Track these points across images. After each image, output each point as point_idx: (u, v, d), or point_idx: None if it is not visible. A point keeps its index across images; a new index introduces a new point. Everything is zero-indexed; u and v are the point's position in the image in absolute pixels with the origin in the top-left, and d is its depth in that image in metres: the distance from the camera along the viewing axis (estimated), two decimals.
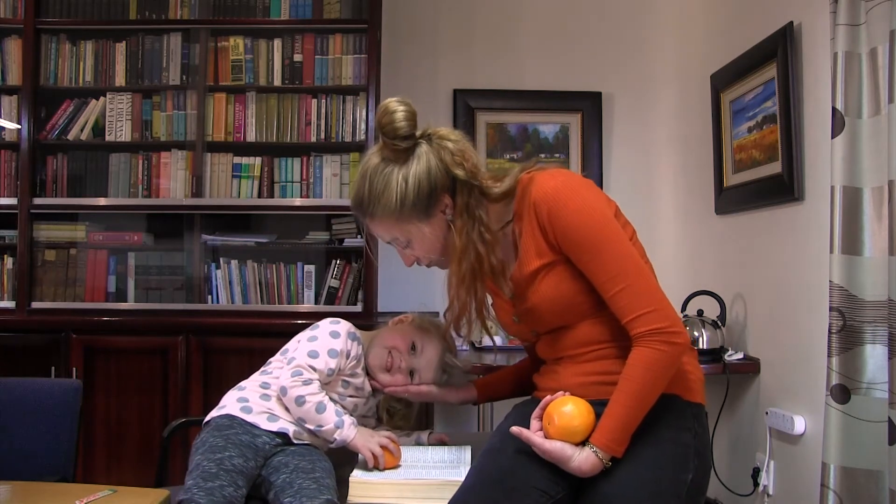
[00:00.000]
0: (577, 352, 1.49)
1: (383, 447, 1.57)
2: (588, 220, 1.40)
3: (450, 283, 1.50)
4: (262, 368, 1.72)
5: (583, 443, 1.36)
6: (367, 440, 1.58)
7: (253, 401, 1.62)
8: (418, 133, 1.46)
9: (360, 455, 1.65)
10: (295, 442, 1.59)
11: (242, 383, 1.68)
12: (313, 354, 1.62)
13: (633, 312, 1.37)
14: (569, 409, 1.36)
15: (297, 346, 1.66)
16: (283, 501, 1.44)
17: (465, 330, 1.56)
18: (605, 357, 1.46)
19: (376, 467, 1.57)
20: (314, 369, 1.60)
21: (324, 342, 1.65)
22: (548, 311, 1.48)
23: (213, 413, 1.62)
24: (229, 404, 1.62)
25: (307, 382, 1.58)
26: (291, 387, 1.58)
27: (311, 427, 1.59)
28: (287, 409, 1.61)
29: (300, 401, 1.57)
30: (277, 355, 1.73)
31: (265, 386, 1.65)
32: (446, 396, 1.76)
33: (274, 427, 1.58)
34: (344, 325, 1.70)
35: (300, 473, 1.50)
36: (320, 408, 1.58)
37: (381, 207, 1.45)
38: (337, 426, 1.58)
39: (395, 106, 1.43)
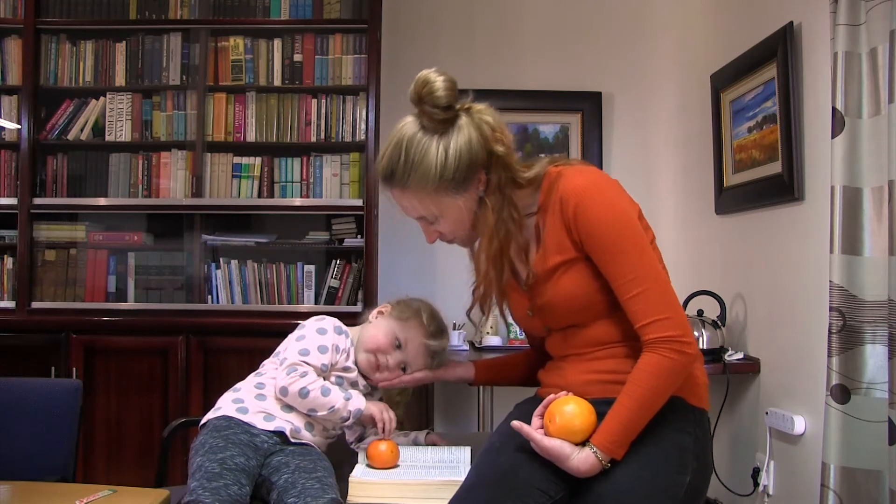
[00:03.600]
0: (587, 350, 1.49)
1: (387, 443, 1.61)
2: (613, 220, 1.40)
3: (478, 261, 1.49)
4: (257, 370, 1.73)
5: (583, 443, 1.36)
6: (378, 405, 1.65)
7: (248, 401, 1.62)
8: (457, 105, 1.43)
9: (359, 454, 1.65)
10: (292, 441, 1.60)
11: (237, 385, 1.69)
12: (304, 352, 1.64)
13: (647, 318, 1.37)
14: (570, 409, 1.36)
15: (287, 348, 1.68)
16: (287, 502, 1.44)
17: (486, 310, 1.55)
18: (613, 356, 1.46)
19: (375, 466, 1.58)
20: (308, 364, 1.62)
21: (312, 340, 1.66)
22: (564, 308, 1.48)
23: (210, 415, 1.62)
24: (225, 406, 1.62)
25: (304, 374, 1.60)
26: (290, 383, 1.58)
27: (324, 413, 1.60)
28: (283, 408, 1.62)
29: (304, 392, 1.58)
30: (270, 357, 1.74)
31: (260, 386, 1.66)
32: (443, 376, 1.76)
33: (270, 426, 1.59)
34: (329, 321, 1.72)
35: (302, 473, 1.50)
36: (325, 391, 1.60)
37: (418, 178, 1.41)
38: (347, 398, 1.61)
39: (434, 76, 1.40)
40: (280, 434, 1.59)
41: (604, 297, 1.44)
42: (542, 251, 1.48)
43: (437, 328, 1.74)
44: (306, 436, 1.62)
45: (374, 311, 1.77)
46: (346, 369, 1.70)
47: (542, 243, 1.48)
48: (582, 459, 1.34)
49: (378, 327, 1.72)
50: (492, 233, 1.44)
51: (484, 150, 1.43)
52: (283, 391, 1.59)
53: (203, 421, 1.62)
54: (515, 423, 1.39)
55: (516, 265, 1.53)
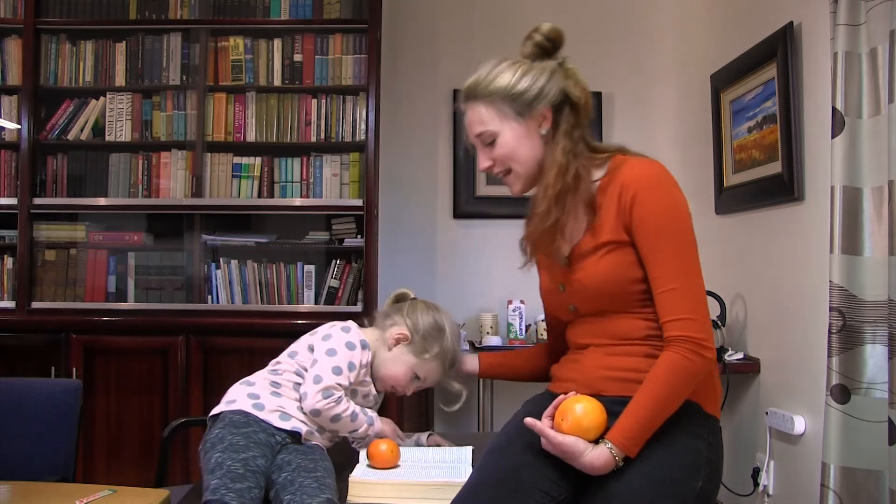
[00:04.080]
0: (608, 342, 1.49)
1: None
2: (668, 215, 1.44)
3: (539, 197, 1.51)
4: (270, 367, 1.71)
5: (594, 442, 1.36)
6: (390, 425, 1.73)
7: (264, 397, 1.61)
8: (557, 55, 1.54)
9: (360, 454, 1.65)
10: (303, 442, 1.60)
11: (250, 378, 1.68)
12: (337, 371, 1.63)
13: (675, 314, 1.39)
14: (582, 407, 1.36)
15: (317, 360, 1.65)
16: (283, 499, 1.44)
17: (541, 248, 1.55)
18: (632, 354, 1.46)
19: (376, 466, 1.59)
20: (341, 386, 1.63)
21: (343, 355, 1.66)
22: (596, 289, 1.48)
23: (223, 407, 1.61)
24: (240, 399, 1.61)
25: (338, 401, 1.61)
26: (325, 408, 1.60)
27: (344, 434, 1.65)
28: (299, 407, 1.62)
29: (336, 418, 1.62)
30: (285, 357, 1.72)
31: (275, 385, 1.65)
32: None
33: (287, 426, 1.59)
34: (356, 334, 1.71)
35: (301, 472, 1.50)
36: (353, 417, 1.64)
37: (490, 89, 1.51)
38: (369, 423, 1.66)
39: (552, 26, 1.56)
40: (295, 434, 1.59)
41: (637, 290, 1.45)
42: (592, 228, 1.50)
43: (458, 372, 1.79)
44: (317, 437, 1.64)
45: (394, 334, 1.73)
46: (362, 383, 1.71)
47: (597, 220, 1.49)
48: (597, 455, 1.33)
49: (397, 364, 1.72)
50: (558, 171, 1.48)
51: (560, 92, 1.50)
52: (315, 412, 1.60)
53: (216, 412, 1.61)
54: (529, 420, 1.39)
55: (560, 236, 1.53)
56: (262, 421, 1.57)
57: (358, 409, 1.65)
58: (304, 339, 1.73)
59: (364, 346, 1.70)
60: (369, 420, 1.66)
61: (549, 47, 1.53)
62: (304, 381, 1.63)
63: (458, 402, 1.80)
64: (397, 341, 1.73)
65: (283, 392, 1.64)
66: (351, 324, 1.74)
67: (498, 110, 1.51)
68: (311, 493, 1.43)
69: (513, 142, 1.51)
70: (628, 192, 1.44)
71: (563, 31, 1.55)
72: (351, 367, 1.65)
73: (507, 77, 1.51)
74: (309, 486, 1.45)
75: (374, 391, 1.74)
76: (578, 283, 1.51)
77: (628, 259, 1.45)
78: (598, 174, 1.52)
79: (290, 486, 1.46)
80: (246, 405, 1.59)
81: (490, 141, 1.53)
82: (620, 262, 1.45)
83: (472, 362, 1.81)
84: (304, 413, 1.62)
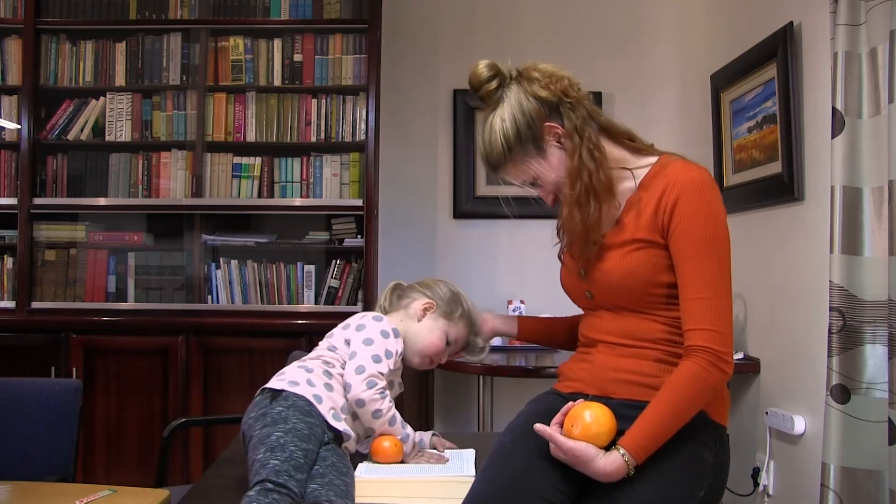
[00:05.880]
0: (619, 340, 1.48)
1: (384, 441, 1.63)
2: (710, 224, 1.41)
3: (561, 211, 1.50)
4: (319, 358, 1.69)
5: (605, 448, 1.34)
6: (417, 457, 1.68)
7: (319, 388, 1.60)
8: (506, 73, 1.51)
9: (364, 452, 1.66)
10: (341, 445, 1.60)
11: (307, 364, 1.66)
12: (377, 359, 1.64)
13: (700, 324, 1.37)
14: (592, 414, 1.35)
15: (356, 352, 1.65)
16: (309, 486, 1.43)
17: (577, 252, 1.53)
18: (643, 357, 1.45)
19: (380, 461, 1.60)
20: (382, 375, 1.63)
21: (380, 343, 1.67)
22: (617, 283, 1.47)
23: (283, 385, 1.58)
24: (302, 384, 1.59)
25: (383, 395, 1.61)
26: (370, 400, 1.60)
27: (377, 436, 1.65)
28: (342, 408, 1.62)
29: (377, 414, 1.61)
30: (326, 351, 1.70)
31: (328, 375, 1.64)
32: (484, 337, 1.83)
33: (339, 426, 1.58)
34: (387, 323, 1.72)
35: (334, 470, 1.49)
36: (392, 421, 1.63)
37: (497, 154, 1.48)
38: (403, 440, 1.64)
39: (477, 62, 1.52)
40: (339, 436, 1.58)
41: (658, 293, 1.44)
42: (626, 221, 1.48)
43: (478, 331, 1.82)
44: (353, 443, 1.63)
45: (419, 306, 1.77)
46: (396, 372, 1.73)
47: (630, 216, 1.47)
48: (610, 462, 1.32)
49: (431, 330, 1.75)
50: (574, 178, 1.46)
51: (539, 103, 1.47)
52: (360, 402, 1.60)
53: (277, 387, 1.58)
54: (538, 426, 1.37)
55: (595, 233, 1.52)
56: (321, 415, 1.56)
57: (398, 416, 1.65)
58: (338, 334, 1.72)
59: (396, 334, 1.72)
60: (404, 437, 1.64)
61: (494, 87, 1.50)
62: (345, 373, 1.63)
63: (483, 353, 1.83)
64: (425, 311, 1.77)
65: (334, 386, 1.63)
66: (383, 316, 1.76)
67: (518, 165, 1.49)
68: (338, 492, 1.43)
69: (551, 174, 1.49)
70: (671, 193, 1.42)
71: (490, 62, 1.52)
72: (388, 354, 1.66)
73: (497, 132, 1.47)
74: (338, 487, 1.44)
75: (399, 379, 1.76)
76: (600, 272, 1.49)
77: (655, 261, 1.43)
78: (641, 171, 1.50)
79: (319, 479, 1.45)
80: (307, 393, 1.57)
81: (533, 183, 1.52)
82: (646, 262, 1.44)
83: (510, 325, 1.82)
84: (346, 412, 1.61)
